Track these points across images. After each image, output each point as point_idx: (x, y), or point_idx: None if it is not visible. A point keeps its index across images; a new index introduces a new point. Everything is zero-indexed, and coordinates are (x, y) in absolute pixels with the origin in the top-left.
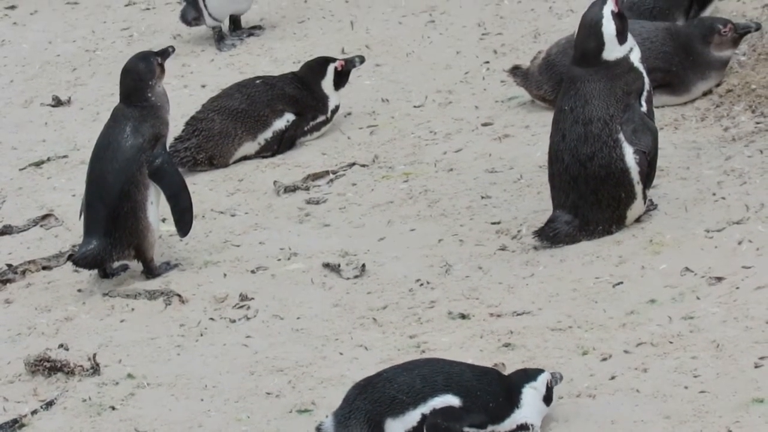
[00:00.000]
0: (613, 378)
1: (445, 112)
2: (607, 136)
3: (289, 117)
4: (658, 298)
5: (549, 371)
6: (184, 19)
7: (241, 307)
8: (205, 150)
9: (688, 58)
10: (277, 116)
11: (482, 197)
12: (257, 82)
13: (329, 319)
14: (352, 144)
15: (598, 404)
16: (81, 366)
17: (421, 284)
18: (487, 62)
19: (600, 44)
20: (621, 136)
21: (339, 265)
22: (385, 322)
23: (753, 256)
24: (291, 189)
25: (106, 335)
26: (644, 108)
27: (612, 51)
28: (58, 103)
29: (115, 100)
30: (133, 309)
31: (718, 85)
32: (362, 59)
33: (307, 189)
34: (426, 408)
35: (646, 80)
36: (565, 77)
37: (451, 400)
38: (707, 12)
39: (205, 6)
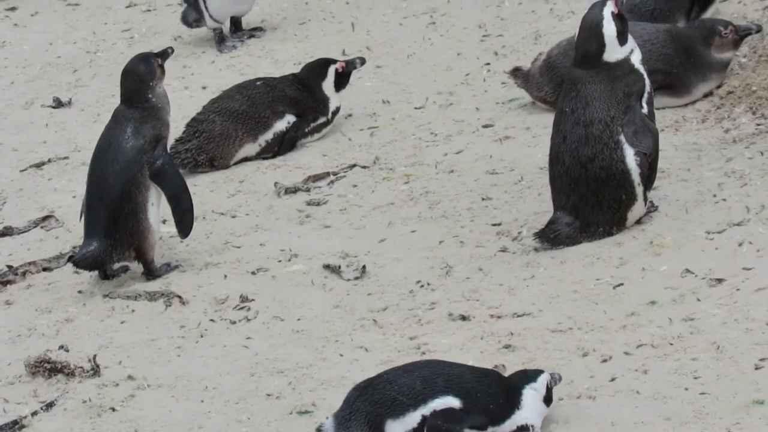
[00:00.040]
0: (613, 379)
1: (446, 114)
2: (608, 137)
3: (289, 118)
4: (659, 300)
5: (548, 372)
6: (185, 20)
7: (242, 308)
8: (206, 151)
9: (688, 59)
10: (277, 118)
11: (483, 199)
12: (258, 83)
13: (329, 321)
14: (352, 145)
15: (599, 406)
16: (81, 367)
17: (422, 286)
18: (488, 64)
19: (601, 46)
20: (622, 137)
21: (339, 267)
22: (386, 324)
23: (753, 257)
24: (292, 190)
25: (106, 336)
26: (645, 110)
27: (613, 52)
28: (58, 104)
29: (116, 101)
30: (133, 310)
31: (718, 86)
32: (363, 61)
33: (307, 190)
34: (426, 409)
35: (647, 82)
36: (566, 79)
37: (452, 402)
38: (708, 14)
39: (206, 7)
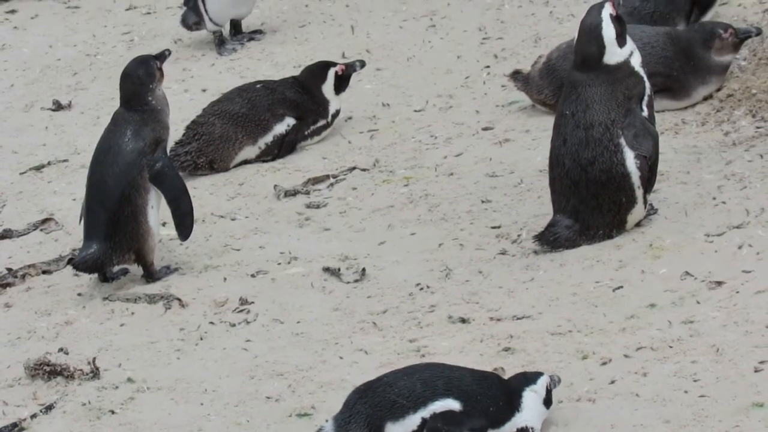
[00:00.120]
0: (612, 382)
1: (446, 117)
2: (608, 140)
3: (289, 121)
4: (658, 303)
5: (548, 374)
6: (185, 23)
7: (241, 311)
8: (206, 154)
9: (688, 62)
10: (277, 120)
11: (482, 201)
12: (258, 86)
13: (329, 323)
14: (352, 148)
15: (598, 408)
16: (81, 370)
17: (421, 288)
18: (488, 67)
19: (601, 48)
20: (622, 140)
21: (339, 269)
22: (385, 327)
23: (753, 260)
24: (291, 193)
25: (105, 339)
26: (645, 112)
27: (613, 55)
28: (58, 107)
29: (116, 104)
30: (133, 313)
31: (718, 89)
32: (363, 63)
33: (307, 193)
34: (426, 412)
35: (647, 85)
36: (566, 82)
37: (452, 405)
38: (708, 17)
39: (206, 10)
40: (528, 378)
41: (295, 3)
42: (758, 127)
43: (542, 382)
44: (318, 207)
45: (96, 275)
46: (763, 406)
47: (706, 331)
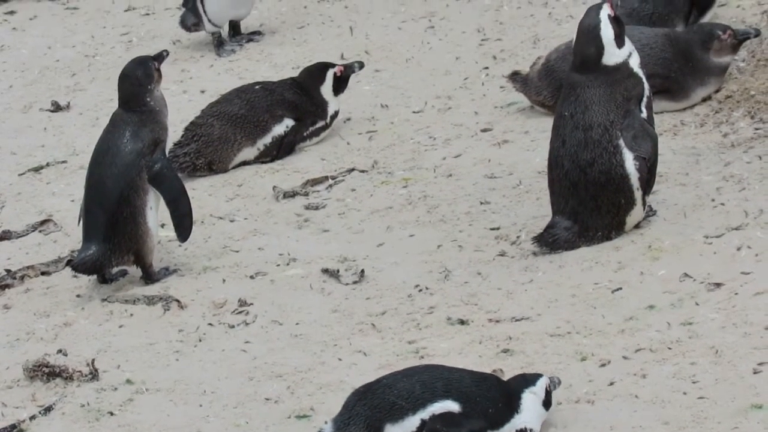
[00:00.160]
0: (611, 384)
1: (445, 118)
2: (607, 142)
3: (288, 122)
4: (657, 304)
5: (547, 376)
6: (184, 24)
7: (240, 312)
8: (205, 155)
9: (687, 64)
10: (276, 121)
11: (481, 203)
12: (256, 87)
13: (328, 325)
14: (351, 149)
15: (597, 410)
16: (80, 371)
17: (420, 290)
18: (487, 68)
19: (599, 49)
20: (621, 142)
21: (338, 271)
22: (384, 328)
23: (752, 262)
24: (290, 194)
25: (104, 340)
26: (644, 114)
27: (611, 56)
28: (57, 108)
29: (115, 105)
30: (131, 314)
31: (717, 91)
32: (361, 65)
33: (306, 194)
34: (425, 414)
35: (646, 86)
36: (564, 83)
37: (451, 406)
38: (706, 18)
39: (205, 11)
40: (527, 379)
41: (293, 4)
42: (757, 129)
43: (541, 384)
44: (317, 208)
45: (95, 276)
46: (762, 408)
47: (705, 332)
